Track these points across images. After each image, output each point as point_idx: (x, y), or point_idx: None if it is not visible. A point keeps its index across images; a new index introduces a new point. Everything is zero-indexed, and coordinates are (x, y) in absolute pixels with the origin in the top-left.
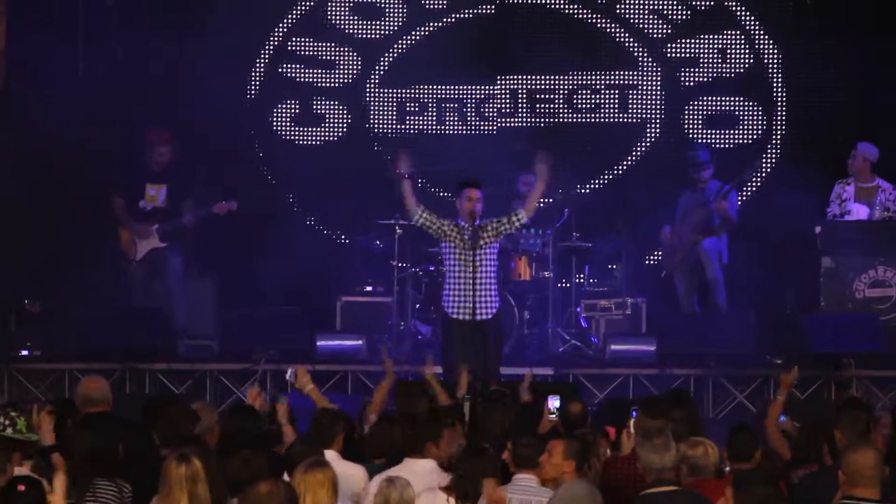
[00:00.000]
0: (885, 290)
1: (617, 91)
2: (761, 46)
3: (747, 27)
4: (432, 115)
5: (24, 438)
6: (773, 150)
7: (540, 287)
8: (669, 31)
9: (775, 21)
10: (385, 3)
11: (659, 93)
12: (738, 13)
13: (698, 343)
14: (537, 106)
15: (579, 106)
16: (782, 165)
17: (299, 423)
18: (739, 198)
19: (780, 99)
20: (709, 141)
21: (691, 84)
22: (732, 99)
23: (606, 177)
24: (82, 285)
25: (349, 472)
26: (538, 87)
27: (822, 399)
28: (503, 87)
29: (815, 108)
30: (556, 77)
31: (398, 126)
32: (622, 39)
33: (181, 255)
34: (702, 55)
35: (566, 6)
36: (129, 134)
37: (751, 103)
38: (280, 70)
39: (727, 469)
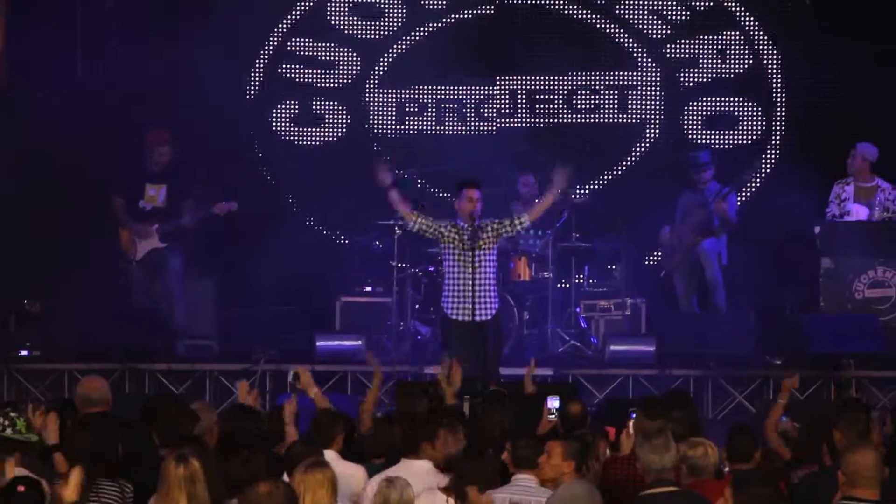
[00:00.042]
0: (884, 290)
1: (616, 91)
2: (761, 47)
3: (747, 27)
4: (432, 116)
5: (24, 439)
6: (773, 151)
7: (539, 287)
8: (669, 31)
9: (775, 21)
10: (385, 4)
11: (658, 93)
12: (738, 13)
13: (698, 343)
14: (537, 106)
15: (579, 106)
16: (782, 166)
17: (299, 423)
18: (739, 198)
19: (779, 99)
20: (708, 141)
21: (691, 84)
22: (732, 99)
23: (606, 177)
24: (82, 285)
25: (349, 473)
26: (537, 87)
27: (822, 399)
28: (502, 87)
29: (814, 108)
30: (556, 77)
31: (398, 126)
32: (621, 40)
33: (181, 255)
34: (701, 56)
35: (565, 7)
36: (128, 134)
37: (750, 104)
38: (280, 70)
39: (726, 469)
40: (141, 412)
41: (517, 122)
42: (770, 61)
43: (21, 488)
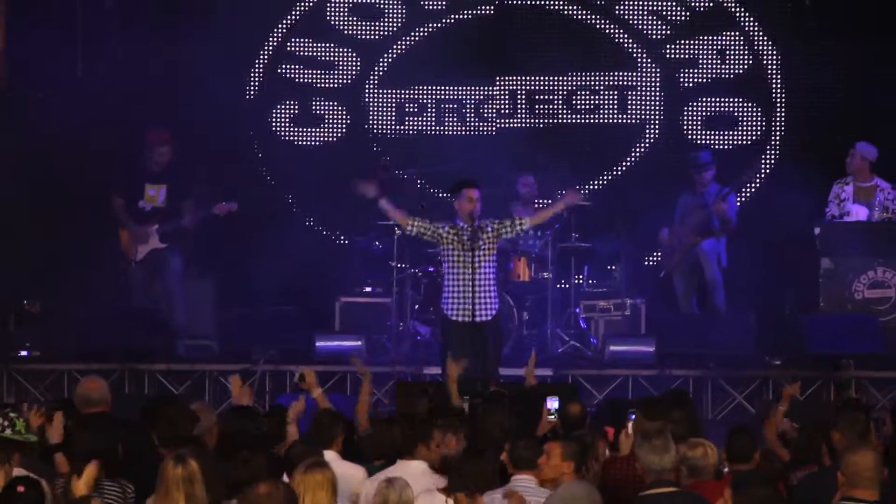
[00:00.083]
0: (884, 290)
1: (616, 92)
2: (760, 47)
3: (746, 28)
4: (431, 116)
5: (24, 439)
6: (773, 151)
7: (539, 288)
8: (668, 31)
9: (774, 22)
10: (384, 4)
11: (658, 94)
12: (737, 14)
13: (697, 344)
14: (536, 107)
15: (578, 107)
16: (781, 166)
17: (299, 423)
18: (739, 199)
19: (779, 100)
20: (708, 142)
21: (690, 85)
22: (731, 100)
23: (605, 178)
24: (82, 285)
25: (349, 473)
26: (537, 87)
27: (822, 400)
28: (502, 87)
29: (814, 108)
30: (555, 78)
31: (397, 127)
32: (621, 40)
33: (181, 255)
34: (701, 56)
35: (565, 7)
36: (128, 134)
37: (750, 104)
38: (279, 70)
39: (726, 470)
40: (140, 413)
41: (517, 123)
42: (770, 62)
43: (21, 488)
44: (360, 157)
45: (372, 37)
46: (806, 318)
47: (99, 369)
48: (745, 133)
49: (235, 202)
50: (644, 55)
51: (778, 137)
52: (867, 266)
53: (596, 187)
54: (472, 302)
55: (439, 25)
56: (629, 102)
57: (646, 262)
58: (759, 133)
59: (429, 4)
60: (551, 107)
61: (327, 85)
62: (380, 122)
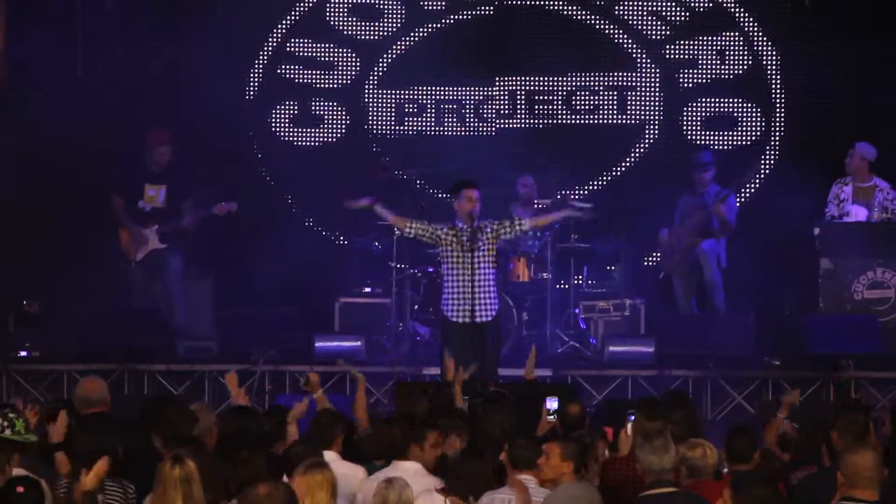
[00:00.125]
0: (883, 291)
1: (615, 92)
2: (760, 48)
3: (746, 28)
4: (431, 117)
5: (23, 440)
6: (772, 152)
7: (538, 288)
8: (668, 32)
9: (774, 22)
10: (384, 5)
11: (657, 94)
12: (737, 14)
13: (697, 344)
14: (536, 107)
15: (578, 107)
16: (781, 167)
17: (300, 425)
18: (738, 199)
19: (778, 100)
20: (707, 142)
21: (690, 85)
22: (731, 100)
23: (605, 178)
24: (82, 285)
25: (349, 473)
26: (537, 88)
27: (821, 400)
28: (501, 88)
29: (813, 109)
30: (555, 78)
31: (397, 127)
32: (621, 41)
33: (181, 255)
34: (700, 56)
35: (564, 7)
36: (128, 134)
37: (749, 104)
38: (279, 71)
39: (725, 470)
40: (140, 413)
41: (516, 123)
42: (769, 62)
43: (20, 489)
44: (360, 158)
45: (371, 37)
46: (805, 318)
47: (98, 369)
48: (744, 133)
49: (235, 202)
50: (643, 55)
51: (777, 138)
52: (867, 266)
53: (595, 188)
54: (471, 303)
55: (439, 26)
56: (629, 103)
57: (645, 263)
58: (758, 133)
59: (428, 5)
60: (551, 107)
61: (327, 85)
62: (379, 123)
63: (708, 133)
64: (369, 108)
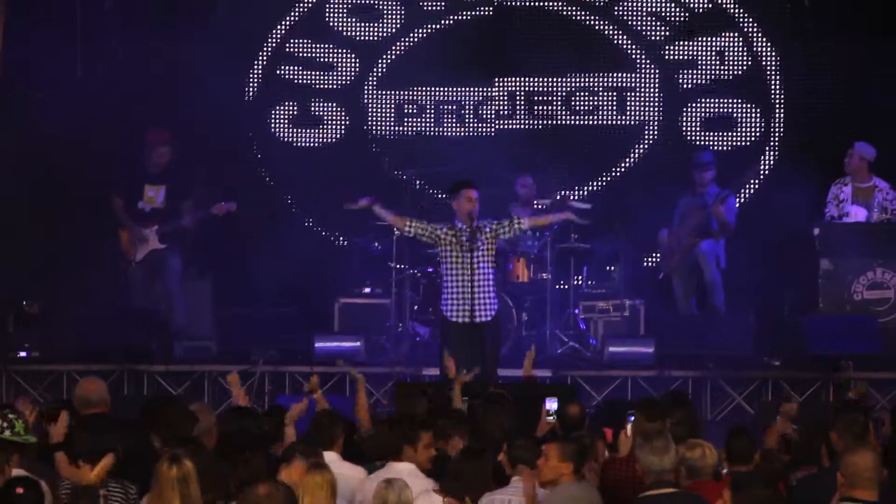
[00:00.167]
0: (883, 291)
1: (615, 93)
2: (759, 48)
3: (745, 29)
4: (430, 117)
5: (23, 441)
6: (772, 152)
7: (538, 289)
8: (667, 33)
9: (773, 23)
10: (383, 5)
11: (657, 95)
12: (736, 15)
13: (697, 345)
14: (535, 108)
15: (577, 108)
16: (780, 167)
17: (300, 425)
18: (738, 200)
19: (778, 101)
20: (707, 143)
21: (689, 86)
22: (730, 101)
23: (604, 179)
24: (82, 286)
25: (349, 474)
26: (536, 89)
27: (821, 401)
28: (501, 89)
29: (813, 109)
30: (554, 79)
31: (396, 128)
32: (620, 41)
33: (180, 256)
34: (700, 57)
35: (564, 8)
36: (128, 134)
37: (749, 105)
38: (279, 71)
39: (725, 471)
40: (140, 413)
41: (515, 124)
42: (768, 63)
43: (20, 490)
44: (359, 158)
45: (371, 38)
46: (805, 318)
47: (98, 370)
48: (744, 134)
49: (234, 202)
50: (643, 56)
51: (777, 138)
52: (866, 267)
53: (595, 188)
54: (471, 303)
55: (438, 26)
56: (628, 103)
57: (645, 264)
58: (758, 134)
59: (428, 5)
60: (550, 108)
61: (326, 86)
62: (379, 123)
63: (707, 133)
64: (369, 108)
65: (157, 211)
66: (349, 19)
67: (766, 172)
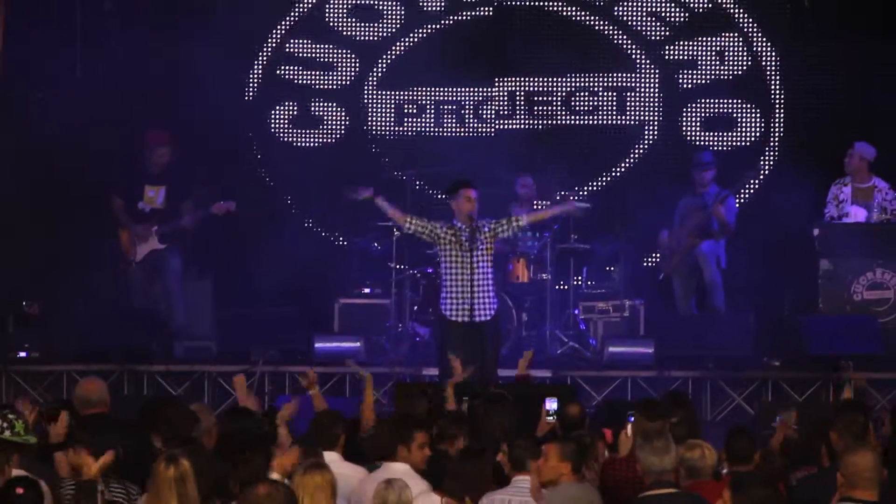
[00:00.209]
0: (883, 292)
1: (615, 93)
2: (759, 48)
3: (745, 29)
4: (430, 117)
5: (23, 441)
6: (771, 152)
7: (538, 289)
8: (667, 33)
9: (773, 23)
10: (383, 6)
11: (657, 95)
12: (736, 15)
13: (696, 345)
14: (535, 108)
15: (577, 108)
16: (780, 167)
17: (299, 425)
18: (738, 200)
19: (777, 101)
20: (707, 143)
21: (689, 86)
22: (730, 101)
23: (604, 179)
24: (81, 286)
25: (350, 474)
26: (536, 89)
27: (821, 401)
28: (501, 89)
29: (813, 109)
30: (554, 79)
31: (396, 128)
32: (620, 41)
33: (180, 256)
34: (699, 57)
35: (564, 8)
36: (128, 134)
37: (749, 105)
38: (278, 72)
39: (724, 471)
40: (139, 413)
41: (515, 124)
42: (768, 63)
43: (20, 490)
44: (359, 159)
45: (371, 38)
46: (805, 319)
47: (98, 370)
48: (743, 134)
49: (234, 201)
50: (643, 56)
51: (777, 138)
52: (866, 267)
53: (595, 189)
54: (470, 302)
55: (438, 27)
56: (628, 104)
57: (644, 264)
58: (757, 134)
59: (427, 6)
60: (550, 108)
61: (326, 86)
62: (379, 124)
63: (707, 134)
64: (369, 108)
65: (157, 211)
66: (349, 19)
67: (766, 173)
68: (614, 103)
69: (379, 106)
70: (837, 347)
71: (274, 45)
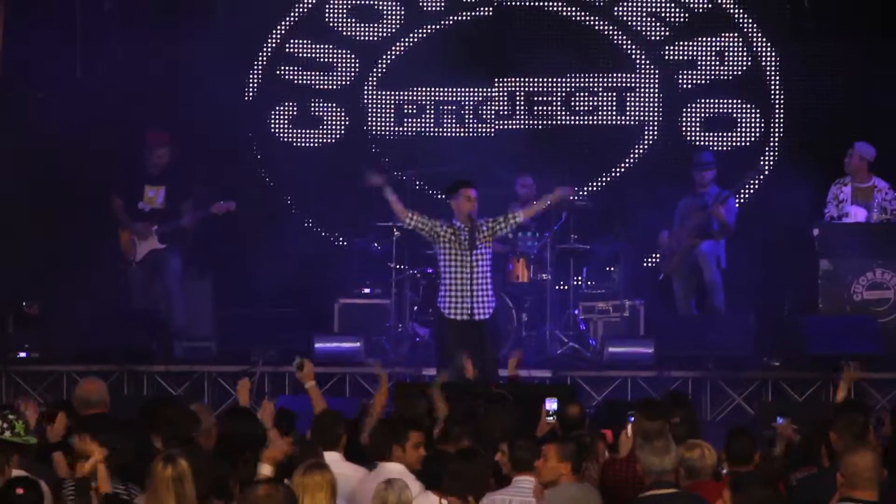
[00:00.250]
0: (882, 292)
1: (614, 93)
2: (759, 49)
3: (745, 29)
4: (430, 118)
5: (23, 441)
6: (772, 152)
7: (538, 289)
8: (667, 33)
9: (773, 23)
10: (383, 6)
11: (656, 95)
12: (736, 15)
13: (696, 345)
14: (535, 108)
15: (577, 108)
16: (780, 167)
17: (300, 425)
18: (738, 200)
19: (777, 101)
20: (706, 143)
21: (689, 86)
22: (730, 101)
23: (604, 179)
24: (81, 286)
25: (351, 474)
26: (536, 89)
27: (821, 401)
28: (500, 89)
29: (812, 110)
30: (554, 79)
31: (396, 128)
32: (620, 42)
33: (180, 256)
34: (699, 57)
35: (564, 8)
36: (128, 134)
37: (748, 105)
38: (278, 72)
39: (724, 471)
40: (139, 414)
41: (515, 124)
42: (768, 63)
43: (20, 490)
44: (359, 159)
45: (371, 38)
46: (805, 319)
47: (98, 370)
48: (744, 134)
49: (233, 201)
50: (642, 57)
51: (777, 139)
52: (866, 267)
53: (594, 189)
54: (470, 300)
55: (438, 27)
56: (628, 104)
57: (644, 264)
58: (757, 134)
59: (427, 6)
60: (550, 108)
61: (326, 86)
62: (378, 124)
63: (707, 134)
64: (368, 109)
65: (156, 211)
66: (349, 19)
67: (766, 173)
68: (614, 103)
69: (379, 106)
70: (837, 347)
71: (274, 45)
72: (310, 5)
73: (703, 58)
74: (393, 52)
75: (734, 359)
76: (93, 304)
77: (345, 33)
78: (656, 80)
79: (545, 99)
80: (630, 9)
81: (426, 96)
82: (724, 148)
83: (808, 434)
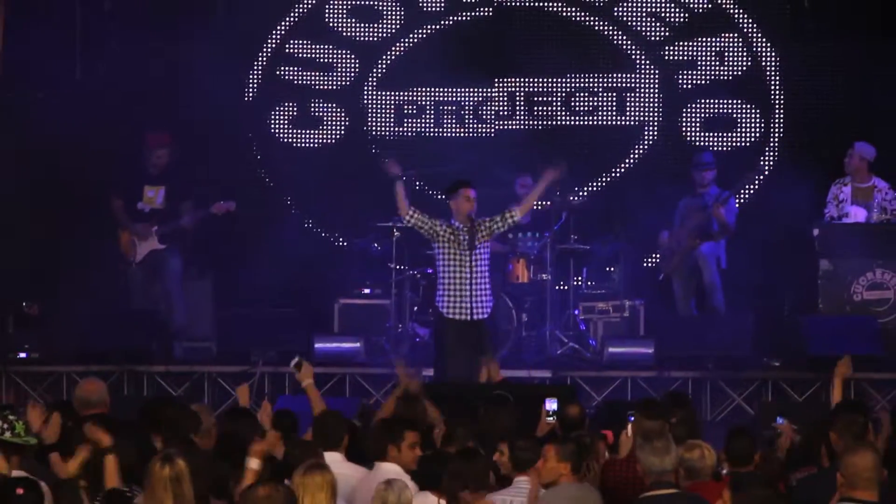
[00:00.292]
0: (882, 292)
1: (614, 94)
2: (759, 49)
3: (745, 30)
4: (430, 118)
5: (23, 442)
6: (772, 153)
7: (538, 289)
8: (667, 33)
9: (773, 23)
10: (383, 6)
11: (656, 95)
12: (736, 16)
13: (696, 345)
14: (535, 109)
15: (577, 109)
16: (780, 168)
17: (301, 425)
18: (738, 200)
19: (777, 101)
20: (706, 144)
21: (689, 87)
22: (730, 102)
23: (604, 179)
24: (81, 286)
25: (351, 474)
26: (535, 89)
27: (821, 401)
28: (500, 89)
29: (812, 110)
30: (554, 80)
31: (396, 129)
32: (619, 42)
33: (180, 256)
34: (699, 58)
35: (563, 9)
36: (128, 134)
37: (748, 106)
38: (278, 72)
39: (724, 471)
40: (139, 414)
41: (515, 125)
42: (768, 63)
43: (20, 491)
44: (359, 159)
45: (370, 39)
46: (805, 319)
47: (98, 371)
48: (744, 134)
49: (233, 201)
50: (642, 57)
51: (776, 139)
52: (866, 267)
53: (595, 189)
54: (469, 300)
55: (438, 27)
56: (628, 104)
57: (644, 264)
58: (757, 134)
59: (427, 6)
60: (550, 108)
61: (326, 86)
62: (378, 124)
63: (707, 134)
64: (368, 109)
65: (156, 211)
66: (349, 20)
67: (766, 173)
68: (614, 104)
69: (379, 106)
70: (837, 348)
71: (274, 45)
72: (310, 5)
73: (703, 58)
74: (393, 53)
75: (734, 359)
76: (93, 304)
77: (345, 33)
78: (656, 81)
79: (545, 99)
80: (630, 9)
81: (426, 96)
82: (724, 148)
83: (808, 434)
